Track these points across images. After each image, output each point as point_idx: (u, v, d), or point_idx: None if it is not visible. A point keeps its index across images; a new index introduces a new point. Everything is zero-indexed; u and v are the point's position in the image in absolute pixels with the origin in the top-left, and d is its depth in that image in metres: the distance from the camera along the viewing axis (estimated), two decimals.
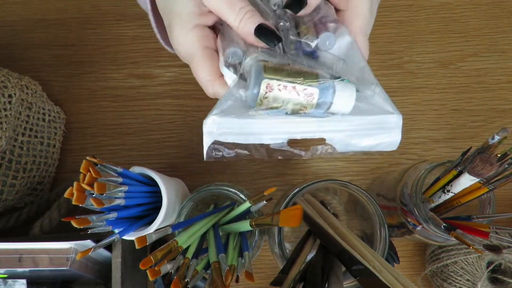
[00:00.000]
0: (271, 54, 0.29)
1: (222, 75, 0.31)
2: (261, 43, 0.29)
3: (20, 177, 0.44)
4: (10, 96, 0.41)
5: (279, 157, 0.29)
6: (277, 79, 0.27)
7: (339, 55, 0.31)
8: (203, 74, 0.31)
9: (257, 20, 0.29)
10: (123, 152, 0.52)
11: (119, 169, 0.34)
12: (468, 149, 0.36)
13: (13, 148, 0.43)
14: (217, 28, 0.32)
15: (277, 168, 0.52)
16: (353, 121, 0.29)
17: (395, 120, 0.30)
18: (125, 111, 0.53)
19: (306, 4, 0.30)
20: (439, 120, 0.53)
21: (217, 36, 0.32)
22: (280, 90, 0.27)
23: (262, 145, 0.28)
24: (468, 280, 0.42)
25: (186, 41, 0.31)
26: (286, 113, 0.28)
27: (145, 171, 0.38)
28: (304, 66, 0.28)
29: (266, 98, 0.27)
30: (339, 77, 0.29)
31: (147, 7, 0.34)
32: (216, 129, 0.27)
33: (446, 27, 0.56)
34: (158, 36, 0.36)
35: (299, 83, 0.27)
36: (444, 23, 0.56)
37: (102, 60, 0.55)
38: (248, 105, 0.28)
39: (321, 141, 0.29)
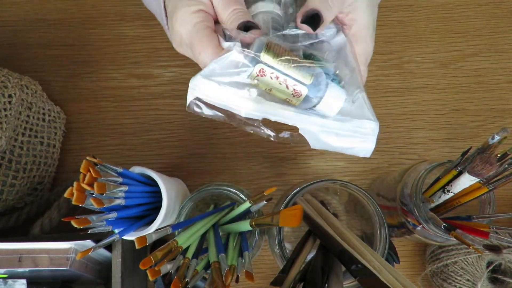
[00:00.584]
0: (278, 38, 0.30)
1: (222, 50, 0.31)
2: (242, 36, 0.29)
3: (20, 177, 0.44)
4: (10, 96, 0.41)
5: (250, 131, 0.30)
6: (272, 67, 0.27)
7: (336, 52, 0.32)
8: (206, 53, 0.31)
9: (244, 18, 0.30)
10: (123, 152, 0.52)
11: (119, 169, 0.34)
12: (468, 149, 0.36)
13: (13, 148, 0.43)
14: None
15: (277, 168, 0.52)
16: (330, 119, 0.29)
17: (372, 127, 0.30)
18: (125, 111, 0.53)
19: (323, 21, 0.31)
20: (439, 120, 0.53)
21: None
22: (271, 78, 0.28)
23: (239, 114, 0.29)
24: (468, 280, 0.42)
25: (189, 20, 0.31)
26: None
27: (145, 171, 0.38)
28: (304, 60, 0.28)
29: (256, 78, 0.28)
30: (334, 79, 0.29)
31: (160, 3, 0.35)
32: (199, 88, 0.28)
33: (446, 27, 0.56)
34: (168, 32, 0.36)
35: (291, 78, 0.27)
36: (444, 23, 0.56)
37: (102, 60, 0.55)
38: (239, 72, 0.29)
39: (295, 129, 0.29)
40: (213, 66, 0.29)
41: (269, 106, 0.28)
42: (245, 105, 0.28)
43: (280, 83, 0.28)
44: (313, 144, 0.29)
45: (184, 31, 0.32)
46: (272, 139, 0.30)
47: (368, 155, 0.30)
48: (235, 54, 0.28)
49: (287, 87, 0.28)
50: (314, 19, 0.31)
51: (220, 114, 0.29)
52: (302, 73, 0.28)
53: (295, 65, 0.27)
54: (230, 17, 0.31)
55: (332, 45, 0.33)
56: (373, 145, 0.30)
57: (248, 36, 0.29)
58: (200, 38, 0.31)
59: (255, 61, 0.27)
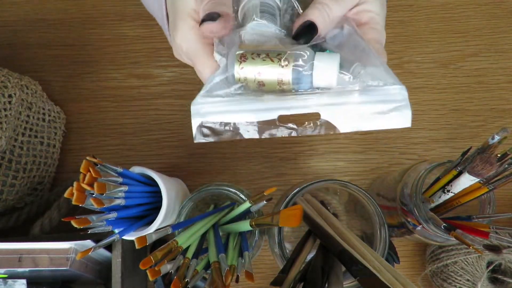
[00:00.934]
0: (271, 20, 0.29)
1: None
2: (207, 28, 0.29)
3: (20, 177, 0.44)
4: (10, 96, 0.41)
5: (268, 136, 0.28)
6: (251, 51, 0.27)
7: (339, 44, 0.30)
8: (208, 70, 0.31)
9: (215, 8, 0.29)
10: (123, 152, 0.52)
11: (119, 169, 0.34)
12: (468, 149, 0.36)
13: (13, 148, 0.43)
14: None
15: (277, 168, 0.52)
16: (352, 94, 0.27)
17: (401, 92, 0.26)
18: (125, 111, 0.53)
19: (317, 33, 0.29)
20: (439, 120, 0.53)
21: None
22: (253, 58, 0.27)
23: (251, 123, 0.27)
24: (468, 280, 0.42)
25: (190, 37, 0.31)
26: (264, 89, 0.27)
27: (145, 171, 0.38)
28: (273, 50, 0.27)
29: (242, 69, 0.27)
30: (321, 49, 0.28)
31: (163, 10, 0.34)
32: (202, 109, 0.27)
33: (446, 27, 0.56)
34: (168, 34, 0.36)
35: (272, 52, 0.27)
36: (444, 23, 0.56)
37: (102, 60, 0.55)
38: (230, 83, 0.28)
39: (316, 116, 0.27)
40: (208, 84, 0.28)
41: (278, 100, 0.27)
42: (255, 106, 0.27)
43: (263, 60, 0.27)
44: (342, 126, 0.27)
45: (185, 46, 0.32)
46: (295, 134, 0.28)
47: (408, 123, 0.26)
48: (221, 71, 0.28)
49: (272, 60, 0.27)
50: (309, 28, 0.30)
51: (231, 131, 0.27)
52: (284, 48, 0.27)
53: (264, 56, 0.27)
54: (202, 11, 0.29)
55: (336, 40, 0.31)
56: (410, 110, 0.26)
57: (205, 27, 0.28)
58: (201, 55, 0.31)
59: (233, 58, 0.27)
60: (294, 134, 0.28)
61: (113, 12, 0.56)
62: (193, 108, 0.27)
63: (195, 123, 0.27)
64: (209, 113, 0.27)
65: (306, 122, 0.27)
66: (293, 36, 0.30)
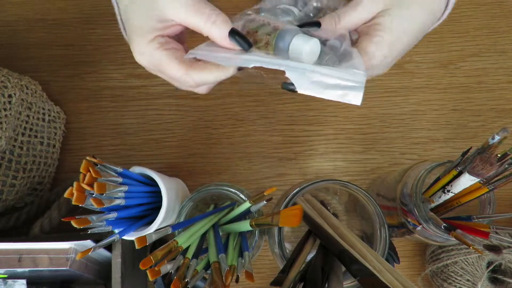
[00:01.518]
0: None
1: (193, 62, 0.32)
2: (235, 46, 0.31)
3: (20, 177, 0.44)
4: (10, 96, 0.41)
5: (240, 74, 0.33)
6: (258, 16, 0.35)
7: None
8: (174, 71, 0.32)
9: (229, 24, 0.31)
10: (123, 152, 0.52)
11: (119, 169, 0.34)
12: (468, 149, 0.36)
13: (13, 148, 0.43)
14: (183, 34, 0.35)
15: (277, 168, 0.52)
16: (318, 66, 0.31)
17: (360, 76, 0.31)
18: (125, 111, 0.53)
19: (319, 28, 0.34)
20: (439, 120, 0.53)
21: (178, 41, 0.34)
22: (258, 22, 0.34)
23: (229, 59, 0.32)
24: (468, 280, 0.42)
25: (147, 50, 0.32)
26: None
27: (145, 171, 0.38)
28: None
29: (244, 27, 0.34)
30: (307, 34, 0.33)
31: (114, 1, 0.36)
32: (192, 53, 0.32)
33: (446, 27, 0.56)
34: (123, 31, 0.37)
35: (271, 22, 0.34)
36: (444, 23, 0.56)
37: (102, 60, 0.55)
38: None
39: (282, 73, 0.31)
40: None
41: (259, 56, 0.31)
42: (235, 55, 0.32)
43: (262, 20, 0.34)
44: (299, 87, 0.31)
45: (145, 61, 0.33)
46: (262, 80, 0.34)
47: (358, 102, 0.30)
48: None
49: (269, 23, 0.34)
50: (314, 23, 0.34)
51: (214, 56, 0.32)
52: (268, 27, 0.34)
53: (265, 22, 0.35)
54: (209, 21, 0.31)
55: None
56: (362, 92, 0.30)
57: (237, 47, 0.32)
58: (164, 63, 0.32)
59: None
60: (259, 81, 0.35)
61: (113, 12, 0.56)
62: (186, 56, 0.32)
63: (186, 56, 0.32)
64: (194, 53, 0.32)
65: (272, 74, 0.33)
66: (299, 24, 0.34)
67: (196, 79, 0.32)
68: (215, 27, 0.30)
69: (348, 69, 0.31)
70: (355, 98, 0.30)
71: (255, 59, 0.31)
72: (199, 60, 0.33)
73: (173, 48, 0.32)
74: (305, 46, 0.31)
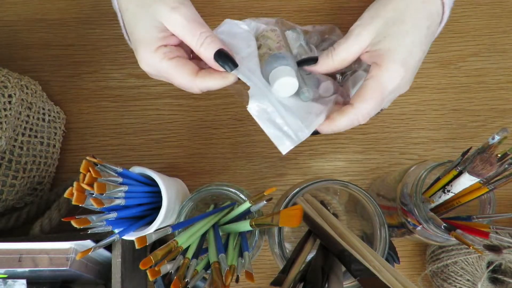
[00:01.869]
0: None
1: (200, 70, 0.34)
2: (219, 67, 0.33)
3: (20, 177, 0.44)
4: (10, 96, 0.41)
5: (230, 88, 0.36)
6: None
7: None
8: (181, 79, 0.34)
9: (217, 45, 0.33)
10: (123, 152, 0.52)
11: (119, 169, 0.34)
12: (468, 149, 0.36)
13: (13, 148, 0.43)
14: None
15: (277, 168, 0.52)
16: (278, 102, 0.34)
17: (303, 131, 0.34)
18: (125, 111, 0.53)
19: (316, 61, 0.36)
20: (439, 120, 0.53)
21: (184, 47, 0.36)
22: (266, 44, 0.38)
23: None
24: (468, 280, 0.42)
25: (152, 60, 0.34)
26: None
27: (145, 171, 0.38)
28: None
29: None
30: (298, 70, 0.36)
31: (116, 8, 0.37)
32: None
33: (446, 27, 0.55)
34: (126, 36, 0.39)
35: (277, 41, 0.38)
36: None
37: (102, 60, 0.55)
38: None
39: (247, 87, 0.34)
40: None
41: (246, 66, 0.34)
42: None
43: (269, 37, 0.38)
44: (252, 104, 0.33)
45: (151, 70, 0.35)
46: (241, 97, 0.38)
47: (284, 152, 0.33)
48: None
49: (273, 39, 0.38)
50: (311, 59, 0.36)
51: None
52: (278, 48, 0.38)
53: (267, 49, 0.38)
54: (198, 42, 0.33)
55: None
56: (292, 146, 0.33)
57: (221, 68, 0.34)
58: (171, 72, 0.34)
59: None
60: (239, 96, 0.39)
61: (113, 12, 0.56)
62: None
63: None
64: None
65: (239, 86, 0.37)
66: (298, 61, 0.37)
67: (201, 86, 0.34)
68: (203, 49, 0.33)
69: (298, 121, 0.33)
70: (283, 147, 0.33)
71: (241, 70, 0.34)
72: (203, 68, 0.35)
73: (177, 56, 0.34)
74: (280, 78, 0.33)
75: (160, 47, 0.33)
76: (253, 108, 0.33)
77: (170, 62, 0.33)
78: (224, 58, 0.33)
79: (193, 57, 0.37)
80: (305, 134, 0.34)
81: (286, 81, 0.33)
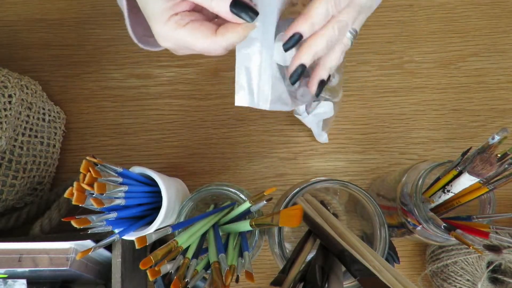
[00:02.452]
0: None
1: (216, 28, 0.32)
2: (238, 19, 0.30)
3: (20, 177, 0.44)
4: (10, 96, 0.41)
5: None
6: None
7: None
8: (201, 43, 0.31)
9: None
10: (123, 152, 0.52)
11: (119, 169, 0.34)
12: (468, 149, 0.36)
13: (13, 148, 0.43)
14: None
15: (277, 168, 0.52)
16: (267, 63, 0.33)
17: (259, 102, 0.33)
18: (125, 111, 0.53)
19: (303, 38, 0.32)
20: (439, 120, 0.53)
21: (201, 13, 0.33)
22: None
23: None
24: (468, 280, 0.42)
25: (167, 33, 0.32)
26: None
27: (145, 171, 0.38)
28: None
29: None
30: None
31: (123, 6, 0.35)
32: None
33: (446, 27, 0.56)
34: (132, 35, 0.37)
35: None
36: (444, 23, 0.56)
37: (102, 60, 0.55)
38: None
39: None
40: None
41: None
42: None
43: None
44: (240, 47, 0.33)
45: (170, 44, 0.33)
46: None
47: (236, 102, 0.33)
48: None
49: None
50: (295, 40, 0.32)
51: None
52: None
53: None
54: None
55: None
56: (245, 105, 0.33)
57: (240, 20, 0.30)
58: (188, 39, 0.31)
59: None
60: None
61: (112, 12, 0.56)
62: None
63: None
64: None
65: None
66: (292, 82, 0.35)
67: (224, 44, 0.32)
68: (215, 3, 0.30)
69: (270, 94, 0.33)
70: (239, 99, 0.33)
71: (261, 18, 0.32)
72: (220, 24, 0.32)
73: (191, 21, 0.32)
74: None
75: (171, 16, 0.31)
76: (242, 49, 0.32)
77: (184, 29, 0.31)
78: (242, 7, 0.29)
79: (217, 20, 0.35)
80: (265, 107, 0.33)
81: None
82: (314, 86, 0.34)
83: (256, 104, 0.33)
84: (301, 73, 0.33)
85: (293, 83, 0.33)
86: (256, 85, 0.33)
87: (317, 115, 0.45)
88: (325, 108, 0.44)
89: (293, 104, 0.36)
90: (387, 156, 0.52)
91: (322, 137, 0.51)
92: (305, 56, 0.32)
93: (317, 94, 0.34)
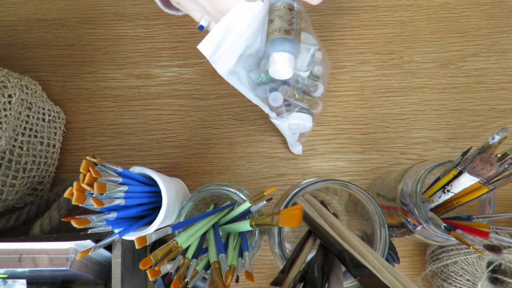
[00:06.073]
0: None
1: None
2: None
3: (20, 177, 0.44)
4: (10, 96, 0.41)
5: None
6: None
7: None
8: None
9: None
10: (123, 152, 0.52)
11: (119, 169, 0.34)
12: (468, 149, 0.36)
13: (13, 148, 0.43)
14: None
15: (277, 168, 0.52)
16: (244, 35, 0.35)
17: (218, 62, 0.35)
18: (125, 111, 0.53)
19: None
20: (439, 120, 0.53)
21: None
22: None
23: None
24: (468, 280, 0.42)
25: None
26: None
27: (145, 171, 0.38)
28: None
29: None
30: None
31: None
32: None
33: (446, 27, 0.56)
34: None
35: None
36: (444, 23, 0.56)
37: (102, 60, 0.55)
38: None
39: None
40: None
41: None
42: None
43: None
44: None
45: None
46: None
47: (199, 45, 0.34)
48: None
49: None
50: None
51: None
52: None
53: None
54: None
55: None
56: (206, 54, 0.35)
57: None
58: None
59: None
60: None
61: (112, 12, 0.56)
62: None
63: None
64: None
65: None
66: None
67: None
68: None
69: (233, 61, 0.35)
70: (204, 45, 0.34)
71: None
72: None
73: None
74: (277, 63, 0.35)
75: None
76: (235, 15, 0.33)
77: None
78: None
79: None
80: (219, 70, 0.35)
81: (282, 68, 0.34)
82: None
83: (214, 61, 0.34)
84: None
85: None
86: (226, 48, 0.34)
87: (294, 127, 0.45)
88: (304, 121, 0.43)
89: (259, 93, 0.37)
90: (387, 156, 0.52)
91: (296, 148, 0.50)
92: None
93: None
